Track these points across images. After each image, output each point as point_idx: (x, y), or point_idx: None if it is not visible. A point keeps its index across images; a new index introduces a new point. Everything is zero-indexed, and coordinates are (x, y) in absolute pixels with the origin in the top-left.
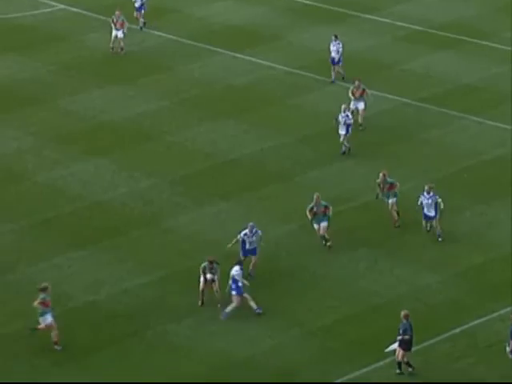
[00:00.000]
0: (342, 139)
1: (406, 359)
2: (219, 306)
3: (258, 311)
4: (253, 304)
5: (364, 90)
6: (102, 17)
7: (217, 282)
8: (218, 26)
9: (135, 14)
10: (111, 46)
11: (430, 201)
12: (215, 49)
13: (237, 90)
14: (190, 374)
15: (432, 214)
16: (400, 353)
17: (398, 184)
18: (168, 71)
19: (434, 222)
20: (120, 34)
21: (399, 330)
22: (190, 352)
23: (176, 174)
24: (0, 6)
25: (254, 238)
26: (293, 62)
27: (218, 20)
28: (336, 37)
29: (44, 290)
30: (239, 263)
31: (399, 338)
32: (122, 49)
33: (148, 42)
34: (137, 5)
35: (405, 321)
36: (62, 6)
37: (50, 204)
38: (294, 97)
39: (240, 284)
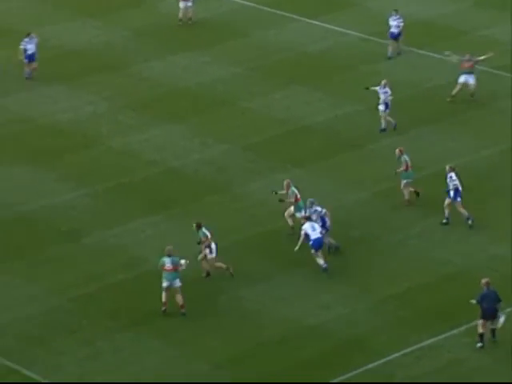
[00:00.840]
0: (381, 115)
1: (488, 327)
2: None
3: (324, 266)
4: (320, 260)
5: (474, 62)
6: None
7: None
8: None
9: None
10: (180, 17)
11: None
12: (290, 15)
13: (311, 57)
14: (261, 339)
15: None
16: (481, 323)
17: (407, 164)
18: (243, 38)
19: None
20: (189, 3)
21: (478, 298)
22: (261, 317)
23: (249, 141)
24: None
25: (314, 215)
26: (368, 28)
27: None
28: (396, 11)
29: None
30: (308, 219)
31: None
32: (190, 19)
33: (223, 8)
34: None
35: (485, 288)
36: None
37: (125, 169)
38: (368, 64)
39: (313, 237)
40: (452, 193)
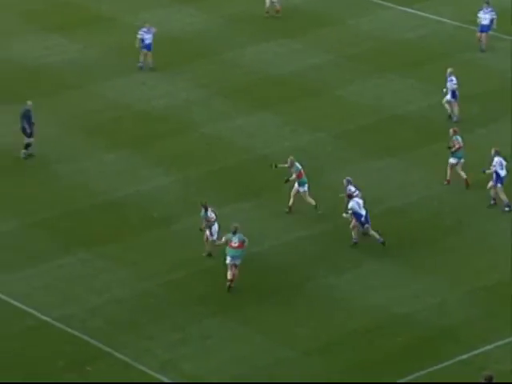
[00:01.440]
0: (447, 106)
1: None
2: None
3: (381, 240)
4: (375, 234)
5: None
6: None
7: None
8: None
9: None
10: (266, 8)
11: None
12: (384, 3)
13: (405, 45)
14: (349, 328)
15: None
16: None
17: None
18: (336, 25)
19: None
20: None
21: None
22: (349, 306)
23: (340, 129)
24: None
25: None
26: (463, 16)
27: None
28: (487, 3)
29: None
30: (350, 197)
31: None
32: (277, 12)
33: None
34: None
35: None
36: None
37: (216, 156)
38: (463, 53)
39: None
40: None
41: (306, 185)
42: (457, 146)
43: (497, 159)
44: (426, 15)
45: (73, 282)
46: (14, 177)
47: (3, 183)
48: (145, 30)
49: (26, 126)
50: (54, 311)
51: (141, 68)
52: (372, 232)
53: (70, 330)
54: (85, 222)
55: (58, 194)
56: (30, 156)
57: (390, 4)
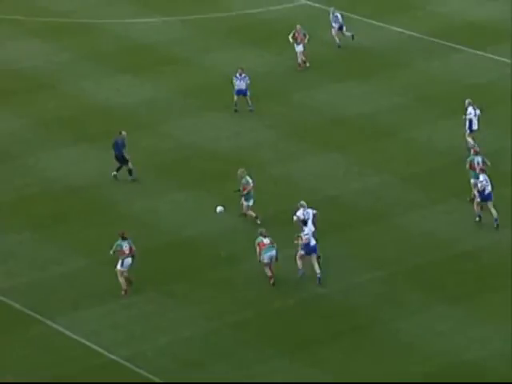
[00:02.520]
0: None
1: None
2: None
3: (318, 276)
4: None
5: None
6: (342, 12)
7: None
8: (459, 22)
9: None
10: (298, 62)
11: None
12: (456, 46)
13: (476, 88)
14: (417, 373)
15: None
16: None
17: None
18: (406, 67)
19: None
20: (300, 49)
21: None
22: (418, 350)
23: (409, 171)
24: (244, 1)
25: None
26: None
27: (460, 17)
28: None
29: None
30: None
31: None
32: (304, 62)
33: (387, 37)
34: (335, 25)
35: None
36: (304, 1)
37: (284, 196)
38: None
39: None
40: None
41: (252, 200)
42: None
43: None
44: (500, 59)
45: (140, 321)
46: (84, 215)
47: (75, 222)
48: (238, 75)
49: (124, 153)
50: (122, 350)
51: (251, 110)
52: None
53: (137, 369)
54: (153, 261)
55: (127, 232)
56: (134, 181)
57: (462, 47)
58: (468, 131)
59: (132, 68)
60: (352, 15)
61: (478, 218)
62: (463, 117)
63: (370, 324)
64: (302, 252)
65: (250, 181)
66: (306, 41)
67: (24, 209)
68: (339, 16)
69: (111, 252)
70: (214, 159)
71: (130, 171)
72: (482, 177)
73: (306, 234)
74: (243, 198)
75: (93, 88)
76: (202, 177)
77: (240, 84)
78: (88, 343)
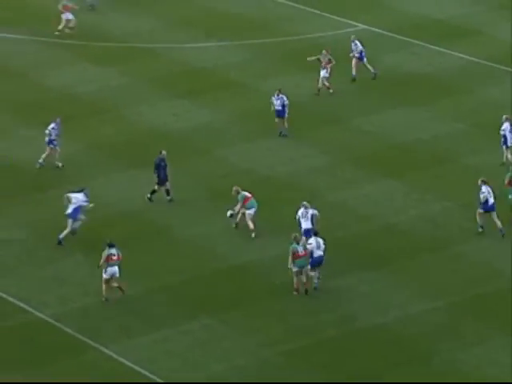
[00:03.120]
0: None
1: None
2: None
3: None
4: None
5: None
6: (402, 37)
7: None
8: None
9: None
10: (318, 86)
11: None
12: None
13: None
14: None
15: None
16: None
17: None
18: (466, 93)
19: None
20: (324, 74)
21: None
22: (477, 381)
23: (469, 198)
24: (302, 25)
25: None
26: None
27: None
28: None
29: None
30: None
31: None
32: (328, 88)
33: (448, 63)
34: (356, 54)
35: None
36: (364, 27)
37: (340, 223)
38: None
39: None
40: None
41: (254, 208)
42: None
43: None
44: None
45: (195, 348)
46: (138, 240)
47: (128, 247)
48: (275, 96)
49: (161, 174)
50: (176, 377)
51: (282, 135)
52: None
53: None
54: (208, 287)
55: (182, 258)
56: (171, 201)
57: None
58: (504, 146)
59: (189, 93)
60: (414, 40)
61: (480, 229)
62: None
63: (429, 355)
64: (295, 269)
65: (247, 193)
66: (329, 67)
67: (79, 234)
68: (358, 44)
69: (101, 262)
70: (269, 185)
71: (167, 191)
72: (484, 188)
73: (310, 244)
74: (245, 210)
75: (150, 113)
76: (258, 202)
77: (277, 104)
78: (141, 370)
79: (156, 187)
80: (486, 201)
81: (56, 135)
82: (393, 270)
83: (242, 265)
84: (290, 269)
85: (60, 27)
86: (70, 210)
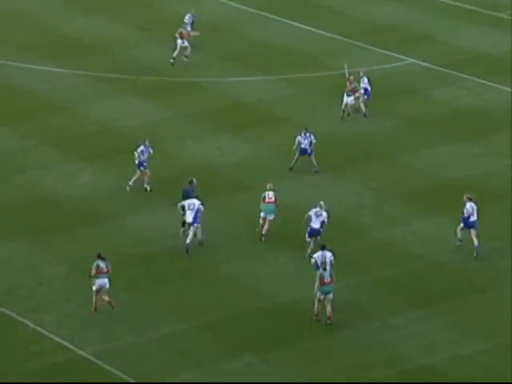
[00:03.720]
0: None
1: None
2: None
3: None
4: None
5: None
6: (451, 71)
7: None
8: None
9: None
10: (342, 109)
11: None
12: None
13: None
14: None
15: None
16: None
17: None
18: None
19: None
20: (350, 101)
21: None
22: None
23: None
24: (348, 59)
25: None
26: None
27: None
28: None
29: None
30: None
31: None
32: (348, 114)
33: (499, 98)
34: (361, 91)
35: None
36: (413, 60)
37: (389, 261)
38: None
39: None
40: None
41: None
42: None
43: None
44: None
45: None
46: (182, 277)
47: (172, 284)
48: (302, 135)
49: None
50: None
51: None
52: None
53: None
54: (252, 325)
55: (225, 295)
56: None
57: None
58: None
59: (233, 127)
60: (464, 75)
61: (459, 243)
62: None
63: None
64: (320, 295)
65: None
66: (355, 95)
67: (122, 270)
68: (366, 81)
69: (92, 274)
70: None
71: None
72: (468, 204)
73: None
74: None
75: (193, 147)
76: (302, 240)
77: (305, 143)
78: None
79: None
80: (469, 217)
81: (145, 158)
82: (442, 310)
83: (286, 303)
84: (315, 294)
85: (175, 54)
86: (190, 219)
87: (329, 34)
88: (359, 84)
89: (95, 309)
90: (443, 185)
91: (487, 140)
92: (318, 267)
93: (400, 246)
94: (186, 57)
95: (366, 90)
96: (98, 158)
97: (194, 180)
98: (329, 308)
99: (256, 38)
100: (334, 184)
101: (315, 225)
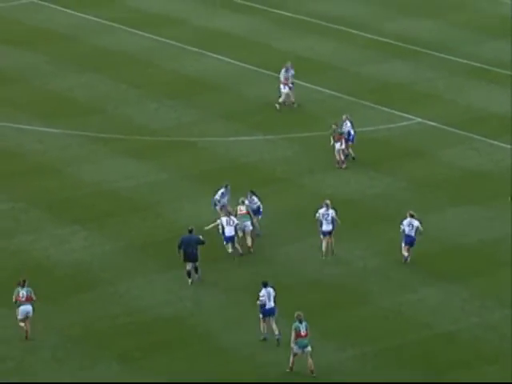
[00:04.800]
0: None
1: None
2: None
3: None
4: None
5: None
6: (460, 131)
7: None
8: None
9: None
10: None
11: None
12: None
13: None
14: None
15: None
16: None
17: None
18: None
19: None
20: (338, 147)
21: None
22: None
23: None
24: (353, 118)
25: None
26: None
27: None
28: None
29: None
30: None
31: None
32: (343, 162)
33: (509, 159)
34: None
35: None
36: (420, 120)
37: (394, 331)
38: None
39: None
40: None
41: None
42: None
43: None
44: None
45: None
46: (177, 347)
47: (166, 354)
48: (248, 198)
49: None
50: None
51: None
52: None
53: None
54: None
55: (222, 365)
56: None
57: None
58: None
59: (233, 189)
60: (473, 135)
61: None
62: None
63: None
64: (261, 315)
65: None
66: (342, 140)
67: (115, 340)
68: (348, 125)
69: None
70: (318, 289)
71: (196, 269)
72: (405, 221)
73: (263, 296)
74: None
75: (190, 210)
76: (304, 308)
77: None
78: None
79: (188, 266)
80: (405, 233)
81: (225, 202)
82: (452, 382)
83: (284, 375)
84: (292, 348)
85: (280, 100)
86: (228, 233)
87: (333, 93)
88: (341, 128)
89: (26, 337)
90: (451, 250)
91: (497, 203)
92: (264, 307)
93: (407, 313)
94: (292, 103)
95: (349, 133)
96: (91, 222)
97: (192, 228)
98: (310, 361)
99: (255, 96)
100: (338, 249)
101: (327, 227)
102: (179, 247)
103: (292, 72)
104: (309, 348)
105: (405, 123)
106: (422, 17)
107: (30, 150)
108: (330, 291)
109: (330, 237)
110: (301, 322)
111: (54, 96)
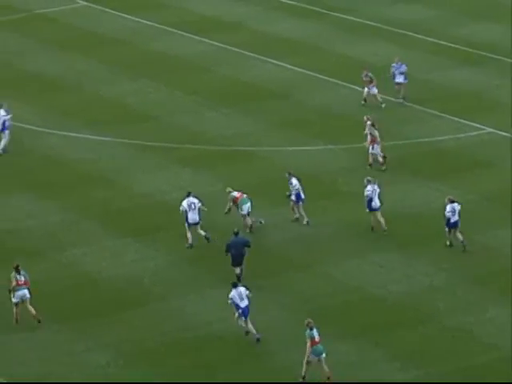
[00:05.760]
0: None
1: None
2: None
3: (257, 336)
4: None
5: None
6: None
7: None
8: None
9: None
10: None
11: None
12: None
13: None
14: None
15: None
16: None
17: None
18: None
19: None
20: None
21: None
22: None
23: None
24: (418, 128)
25: None
26: None
27: None
28: None
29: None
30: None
31: None
32: (382, 164)
33: None
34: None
35: None
36: (491, 130)
37: (462, 352)
38: None
39: None
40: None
41: (246, 205)
42: None
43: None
44: None
45: None
46: (232, 367)
47: (224, 373)
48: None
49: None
50: None
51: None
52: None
53: None
54: None
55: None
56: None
57: None
58: None
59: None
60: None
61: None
62: None
63: None
64: (313, 358)
65: (234, 193)
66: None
67: (168, 357)
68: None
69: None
70: (381, 306)
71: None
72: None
73: (231, 298)
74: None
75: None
76: (364, 326)
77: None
78: None
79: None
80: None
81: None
82: None
83: None
84: (307, 356)
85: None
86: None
87: (396, 100)
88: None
89: (16, 320)
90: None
91: None
92: (238, 307)
93: (475, 335)
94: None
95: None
96: (143, 234)
97: (237, 230)
98: (325, 367)
99: (315, 103)
100: (401, 264)
101: (376, 203)
102: (227, 251)
103: (404, 67)
104: (324, 355)
105: (474, 133)
106: (491, 21)
107: (81, 159)
108: (392, 311)
109: (375, 214)
110: (312, 329)
111: (106, 103)
